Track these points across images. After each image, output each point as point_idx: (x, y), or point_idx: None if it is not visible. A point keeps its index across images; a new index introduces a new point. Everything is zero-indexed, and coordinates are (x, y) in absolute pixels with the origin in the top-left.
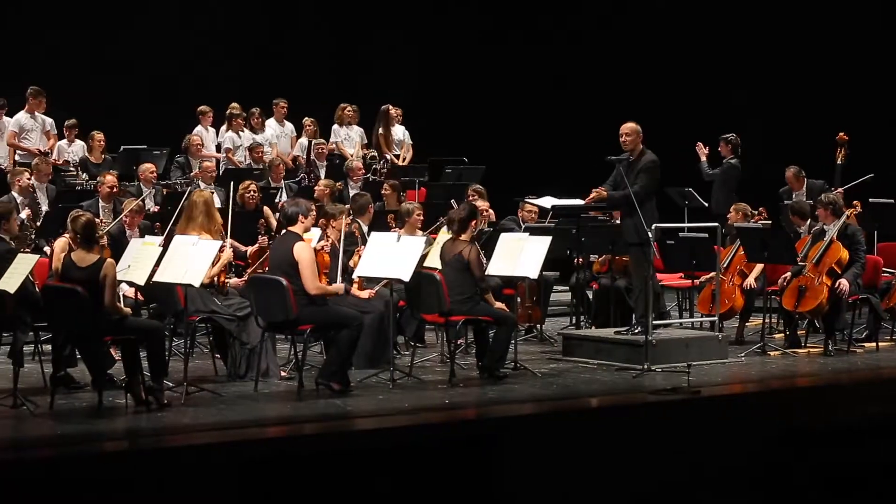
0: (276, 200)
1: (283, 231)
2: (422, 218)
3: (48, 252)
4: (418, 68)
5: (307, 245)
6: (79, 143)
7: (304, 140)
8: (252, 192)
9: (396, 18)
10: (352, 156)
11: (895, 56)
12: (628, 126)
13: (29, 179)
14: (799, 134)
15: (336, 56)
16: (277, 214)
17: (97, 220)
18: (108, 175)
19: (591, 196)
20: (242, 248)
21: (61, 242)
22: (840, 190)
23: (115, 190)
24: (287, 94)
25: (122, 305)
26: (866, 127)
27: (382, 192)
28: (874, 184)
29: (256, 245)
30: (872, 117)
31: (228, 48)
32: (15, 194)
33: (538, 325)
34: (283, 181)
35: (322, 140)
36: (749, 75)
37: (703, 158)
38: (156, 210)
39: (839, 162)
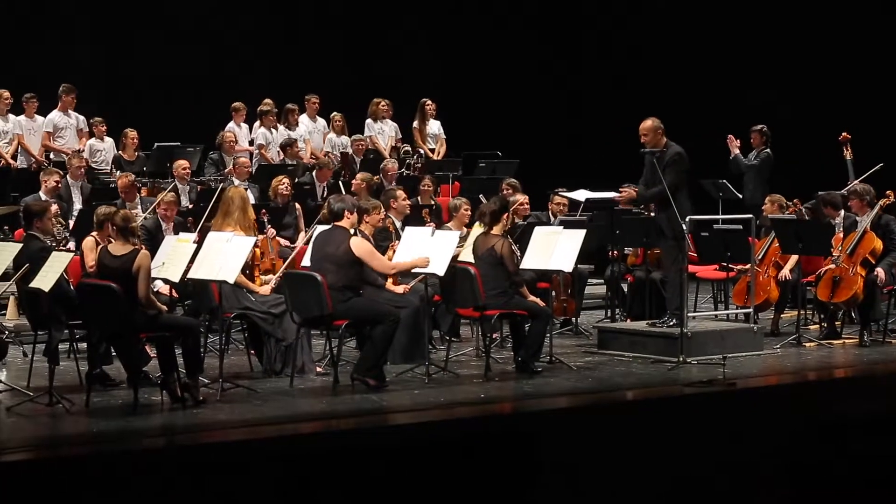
0: (322, 196)
1: (330, 226)
2: (469, 213)
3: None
4: (440, 64)
5: (361, 238)
6: (109, 140)
7: (332, 136)
8: (285, 186)
9: (414, 15)
10: (384, 149)
11: (890, 50)
12: (645, 125)
13: (57, 182)
14: (801, 135)
15: (353, 52)
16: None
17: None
18: (122, 178)
19: (623, 197)
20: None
21: (89, 242)
22: (856, 182)
23: (128, 193)
24: (306, 90)
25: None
26: (870, 121)
27: (422, 187)
28: (890, 174)
29: (262, 236)
30: (875, 112)
31: (242, 46)
32: (41, 194)
33: (573, 319)
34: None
35: (360, 136)
36: (770, 74)
37: (737, 151)
38: (190, 207)
39: (848, 158)
